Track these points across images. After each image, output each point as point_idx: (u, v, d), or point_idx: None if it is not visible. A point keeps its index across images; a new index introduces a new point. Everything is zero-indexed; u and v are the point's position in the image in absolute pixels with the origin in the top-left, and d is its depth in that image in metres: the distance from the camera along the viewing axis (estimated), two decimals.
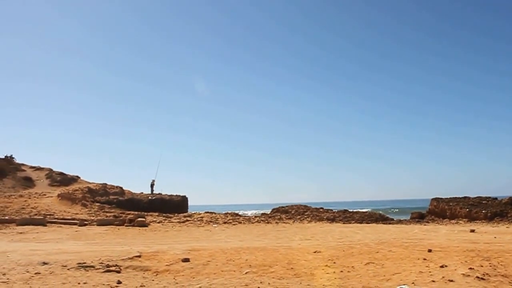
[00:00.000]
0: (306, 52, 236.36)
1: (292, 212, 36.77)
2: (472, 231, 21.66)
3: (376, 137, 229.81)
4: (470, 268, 9.40)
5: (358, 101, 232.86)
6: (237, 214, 35.25)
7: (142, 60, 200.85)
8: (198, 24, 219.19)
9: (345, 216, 34.86)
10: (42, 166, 45.19)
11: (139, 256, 11.96)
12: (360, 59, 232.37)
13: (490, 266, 10.07)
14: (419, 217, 36.19)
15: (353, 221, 32.54)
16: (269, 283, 8.15)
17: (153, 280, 8.70)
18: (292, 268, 10.29)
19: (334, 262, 10.97)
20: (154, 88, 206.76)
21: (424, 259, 11.10)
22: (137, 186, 75.37)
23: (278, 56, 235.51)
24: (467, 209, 33.22)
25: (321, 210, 37.96)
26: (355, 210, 39.72)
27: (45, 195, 35.12)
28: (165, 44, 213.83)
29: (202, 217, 31.28)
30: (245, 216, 34.74)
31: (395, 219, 36.79)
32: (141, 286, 7.94)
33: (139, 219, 26.28)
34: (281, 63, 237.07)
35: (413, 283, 8.15)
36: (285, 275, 9.48)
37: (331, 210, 38.55)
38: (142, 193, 41.65)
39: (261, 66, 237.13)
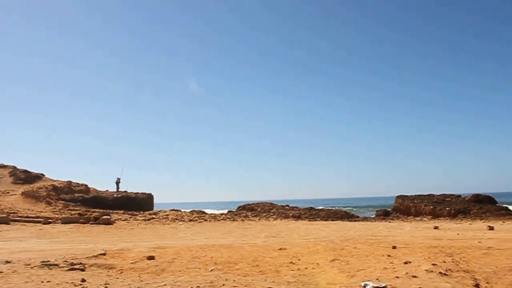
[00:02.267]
0: (280, 52, 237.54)
1: (258, 209, 36.84)
2: (436, 228, 22.08)
3: (344, 134, 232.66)
4: (433, 264, 9.52)
5: (325, 96, 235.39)
6: (203, 212, 35.10)
7: (108, 58, 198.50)
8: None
9: (311, 213, 35.10)
10: (5, 164, 44.23)
11: (104, 254, 11.76)
12: (329, 56, 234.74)
13: (453, 262, 10.24)
14: (384, 214, 36.79)
15: (319, 219, 32.80)
16: (234, 280, 8.08)
17: (117, 278, 8.51)
18: (257, 265, 10.25)
19: (299, 259, 10.98)
20: (121, 86, 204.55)
21: (389, 255, 11.22)
22: (102, 184, 74.19)
23: (247, 55, 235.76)
24: (431, 207, 33.88)
25: (287, 207, 38.22)
26: (320, 208, 40.08)
27: (8, 193, 34.39)
28: (128, 42, 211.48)
29: (167, 215, 31.01)
30: (211, 214, 34.58)
31: (360, 216, 37.25)
32: (105, 284, 7.77)
33: (104, 217, 25.84)
34: (247, 61, 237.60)
35: (377, 279, 8.20)
36: (250, 272, 9.44)
37: (297, 207, 38.85)
38: (107, 190, 41.13)
39: (227, 63, 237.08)
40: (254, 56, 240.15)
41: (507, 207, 34.19)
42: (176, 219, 29.39)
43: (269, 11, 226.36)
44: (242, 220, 30.69)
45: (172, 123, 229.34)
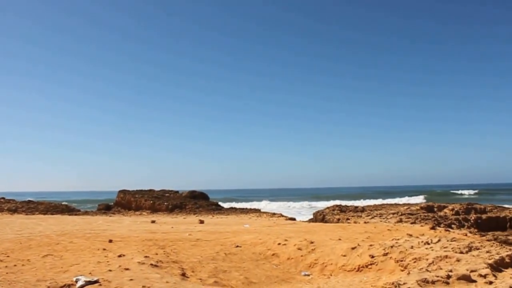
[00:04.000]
0: None
1: None
2: (153, 222, 23.06)
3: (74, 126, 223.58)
4: (146, 257, 10.05)
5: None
6: None
7: None
8: None
9: (29, 207, 33.19)
10: None
11: None
12: None
13: (164, 253, 10.97)
14: (105, 208, 36.89)
15: (37, 212, 31.19)
16: None
17: None
18: None
19: (8, 256, 10.30)
20: None
21: (104, 249, 11.36)
22: None
23: None
24: (151, 201, 35.32)
25: (1, 200, 35.35)
26: (40, 201, 38.11)
27: None
28: None
29: None
30: None
31: (82, 210, 36.66)
32: None
33: None
34: None
35: (90, 273, 8.27)
36: None
37: (14, 200, 36.27)
38: None
39: None
40: None
41: (217, 203, 37.96)
42: None
43: None
44: None
45: None
